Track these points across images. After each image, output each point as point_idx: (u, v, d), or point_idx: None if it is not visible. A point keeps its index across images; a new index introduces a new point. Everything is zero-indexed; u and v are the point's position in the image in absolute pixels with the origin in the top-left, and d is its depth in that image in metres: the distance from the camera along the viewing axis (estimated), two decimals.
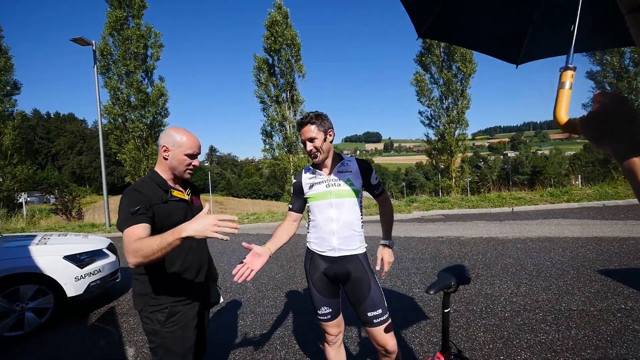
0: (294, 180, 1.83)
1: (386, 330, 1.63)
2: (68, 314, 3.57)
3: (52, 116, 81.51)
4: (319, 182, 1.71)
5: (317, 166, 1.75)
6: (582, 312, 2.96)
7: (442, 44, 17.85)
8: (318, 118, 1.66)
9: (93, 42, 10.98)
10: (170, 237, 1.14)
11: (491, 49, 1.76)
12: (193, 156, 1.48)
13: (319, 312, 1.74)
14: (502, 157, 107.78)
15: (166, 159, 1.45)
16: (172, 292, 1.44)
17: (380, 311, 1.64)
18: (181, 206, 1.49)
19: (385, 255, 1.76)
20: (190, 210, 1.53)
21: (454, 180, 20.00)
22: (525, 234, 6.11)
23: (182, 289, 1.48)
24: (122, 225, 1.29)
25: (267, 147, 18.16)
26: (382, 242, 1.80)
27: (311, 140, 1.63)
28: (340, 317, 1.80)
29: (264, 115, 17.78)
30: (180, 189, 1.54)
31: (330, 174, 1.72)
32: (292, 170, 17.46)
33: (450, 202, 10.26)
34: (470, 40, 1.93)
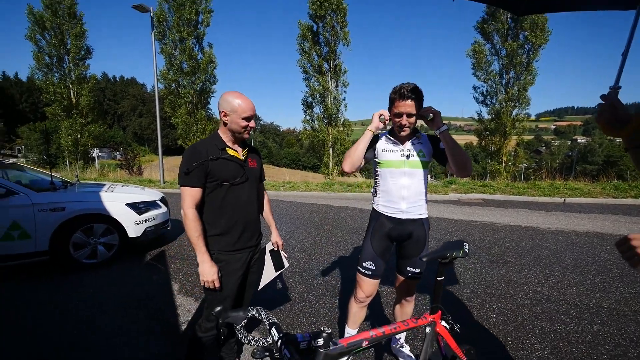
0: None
1: (412, 284, 1.93)
2: (129, 251, 4.28)
3: (117, 80, 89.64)
4: (394, 150, 1.79)
5: (395, 135, 1.82)
6: (612, 311, 2.80)
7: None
8: (421, 94, 1.67)
9: (151, 8, 11.63)
10: (197, 249, 1.55)
11: (603, 2, 1.56)
12: (249, 118, 1.61)
13: (364, 264, 1.88)
14: (569, 142, 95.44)
15: (226, 124, 1.60)
16: (218, 242, 1.63)
17: (419, 270, 1.87)
18: (233, 164, 1.63)
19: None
20: (243, 169, 1.67)
21: (503, 164, 18.44)
22: (571, 227, 5.64)
23: (227, 242, 1.64)
24: (179, 179, 1.56)
25: (307, 118, 18.25)
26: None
27: (409, 115, 1.66)
28: (378, 281, 1.92)
29: (306, 86, 17.70)
30: (237, 148, 1.68)
31: (405, 144, 1.79)
32: (330, 143, 17.48)
33: (493, 186, 9.65)
34: (575, 0, 1.69)
